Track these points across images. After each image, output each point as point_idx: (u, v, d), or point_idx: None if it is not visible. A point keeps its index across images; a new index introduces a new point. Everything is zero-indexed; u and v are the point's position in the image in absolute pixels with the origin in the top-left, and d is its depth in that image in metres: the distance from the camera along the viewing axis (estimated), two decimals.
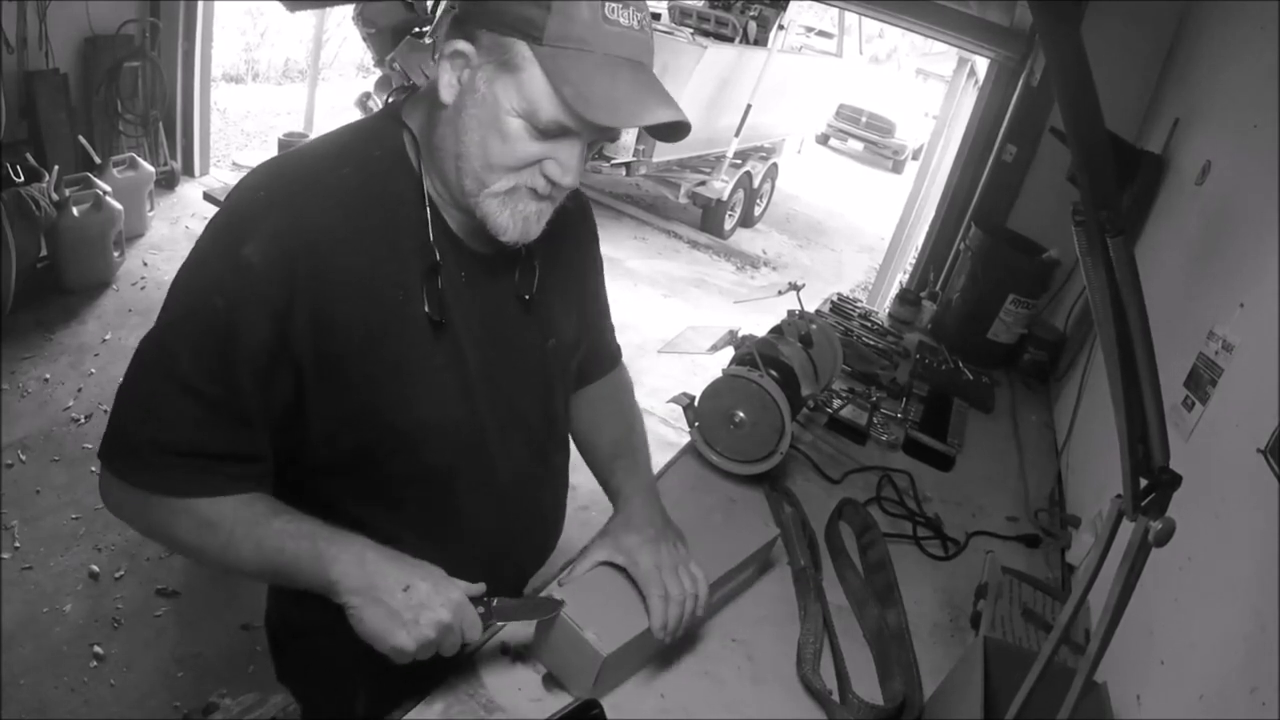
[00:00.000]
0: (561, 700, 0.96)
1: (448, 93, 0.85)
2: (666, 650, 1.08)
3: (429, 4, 3.38)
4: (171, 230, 4.39)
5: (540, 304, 1.03)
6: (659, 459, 1.43)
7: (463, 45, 0.83)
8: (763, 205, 7.86)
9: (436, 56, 0.86)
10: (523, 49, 0.80)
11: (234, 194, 0.87)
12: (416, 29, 3.32)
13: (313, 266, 0.83)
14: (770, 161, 7.68)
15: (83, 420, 2.94)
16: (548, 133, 0.83)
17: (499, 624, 1.02)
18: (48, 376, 3.14)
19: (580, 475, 1.23)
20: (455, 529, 1.02)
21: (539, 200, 0.89)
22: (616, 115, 0.81)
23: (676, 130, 0.86)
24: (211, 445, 0.86)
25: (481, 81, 0.83)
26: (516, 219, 0.88)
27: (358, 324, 0.87)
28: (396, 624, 0.84)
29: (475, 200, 0.87)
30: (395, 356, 0.90)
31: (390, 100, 0.97)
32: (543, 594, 1.02)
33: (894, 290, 3.44)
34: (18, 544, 2.39)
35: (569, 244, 1.10)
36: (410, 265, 0.90)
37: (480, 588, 0.92)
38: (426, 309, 0.90)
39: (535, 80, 0.81)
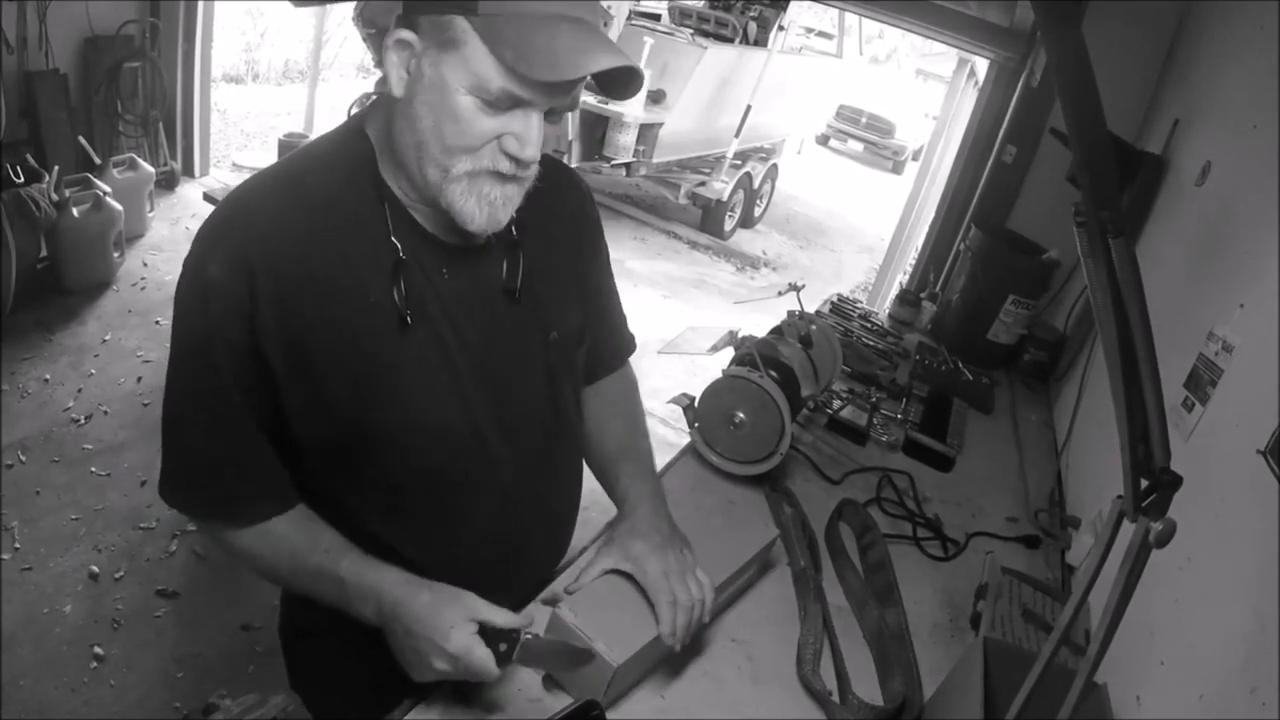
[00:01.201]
0: (561, 700, 0.96)
1: (398, 86, 0.85)
2: (667, 651, 1.08)
3: None
4: (171, 231, 4.39)
5: (535, 296, 1.01)
6: (659, 460, 1.43)
7: (405, 34, 0.82)
8: (763, 206, 7.85)
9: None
10: (461, 24, 0.79)
11: (206, 220, 0.90)
12: None
13: (271, 273, 0.85)
14: (770, 162, 7.68)
15: (83, 421, 2.94)
16: (499, 104, 0.82)
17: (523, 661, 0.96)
18: (48, 377, 3.14)
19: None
20: (456, 531, 1.02)
21: (504, 183, 0.87)
22: (557, 68, 0.79)
23: (628, 81, 0.85)
24: (227, 461, 0.92)
25: (428, 65, 0.82)
26: (482, 205, 0.87)
27: (324, 324, 0.87)
28: (405, 662, 0.91)
29: (440, 190, 0.87)
30: (368, 356, 0.90)
31: (354, 110, 0.98)
32: (554, 604, 1.01)
33: (894, 291, 3.44)
34: (18, 544, 2.39)
35: (565, 234, 1.08)
36: (377, 264, 0.90)
37: (516, 620, 0.89)
38: (397, 304, 0.90)
39: (477, 52, 0.79)
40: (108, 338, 3.45)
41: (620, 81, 0.85)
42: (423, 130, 0.84)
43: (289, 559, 0.94)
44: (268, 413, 0.90)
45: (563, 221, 1.08)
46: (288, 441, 0.94)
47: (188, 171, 4.92)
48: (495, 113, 0.83)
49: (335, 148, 0.94)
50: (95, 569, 2.36)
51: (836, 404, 1.86)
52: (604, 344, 1.21)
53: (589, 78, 0.82)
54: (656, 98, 5.85)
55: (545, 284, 1.03)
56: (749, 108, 6.46)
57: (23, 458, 2.71)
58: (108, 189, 3.68)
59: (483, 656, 0.86)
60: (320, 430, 0.93)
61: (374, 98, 0.97)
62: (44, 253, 3.49)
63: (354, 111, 0.98)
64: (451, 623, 0.86)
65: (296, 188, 0.90)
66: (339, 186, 0.90)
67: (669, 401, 1.56)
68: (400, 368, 0.92)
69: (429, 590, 0.89)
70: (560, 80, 0.79)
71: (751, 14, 6.59)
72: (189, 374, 0.90)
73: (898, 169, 11.74)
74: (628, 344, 1.28)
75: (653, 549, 1.04)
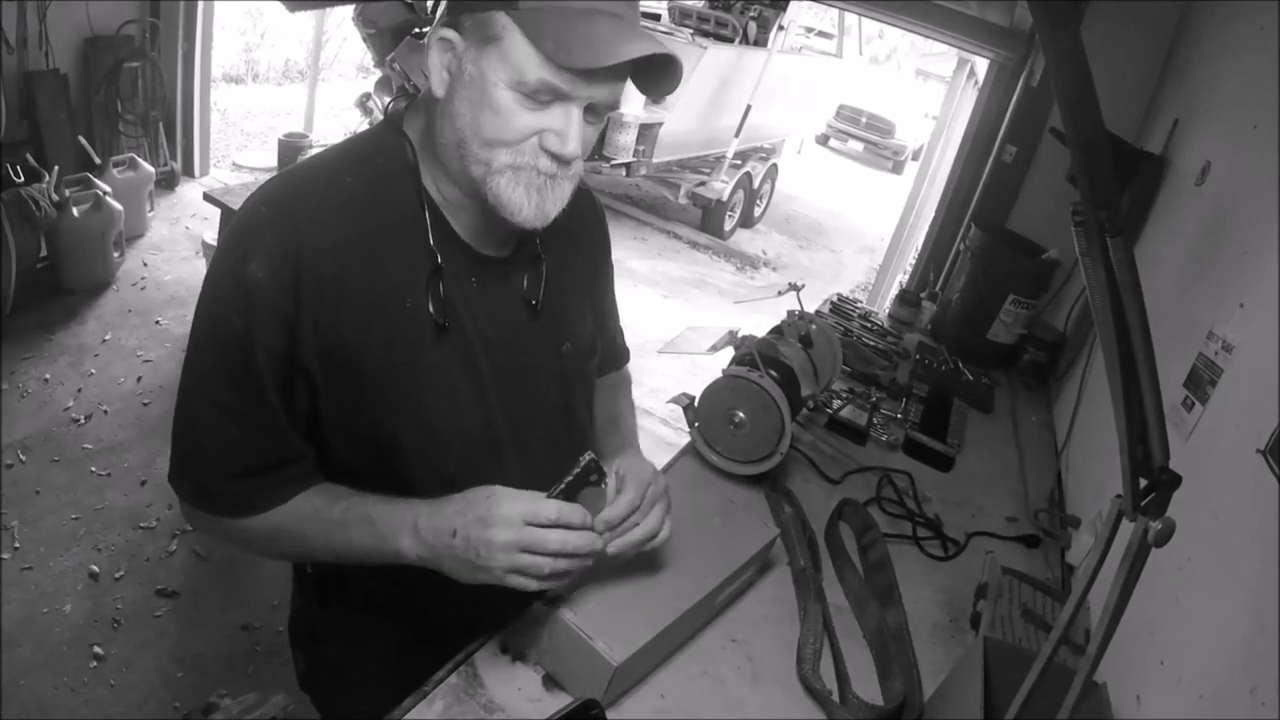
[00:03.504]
0: (561, 700, 0.96)
1: (439, 86, 0.86)
2: (667, 650, 1.08)
3: (429, 4, 3.38)
4: (171, 231, 4.39)
5: (552, 307, 1.02)
6: (659, 459, 1.43)
7: (447, 33, 0.84)
8: (762, 206, 7.86)
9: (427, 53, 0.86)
10: (501, 18, 0.80)
11: (240, 211, 0.89)
12: (416, 29, 3.32)
13: (314, 273, 0.84)
14: (770, 162, 7.69)
15: (83, 420, 2.94)
16: (538, 97, 0.82)
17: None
18: (48, 376, 3.14)
19: None
20: None
21: (548, 179, 0.87)
22: (596, 55, 0.79)
23: (666, 76, 0.85)
24: (256, 461, 0.90)
25: (469, 63, 0.83)
26: (531, 194, 0.87)
27: (361, 329, 0.88)
28: (472, 569, 0.86)
29: (486, 185, 0.86)
30: (401, 361, 0.90)
31: (391, 108, 0.98)
32: (555, 604, 1.00)
33: (894, 291, 3.44)
34: (18, 544, 2.39)
35: (583, 247, 1.10)
36: (414, 270, 0.90)
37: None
38: (431, 311, 0.90)
39: (517, 45, 0.80)
40: (108, 338, 3.45)
41: (657, 76, 0.85)
42: (462, 127, 0.85)
43: (313, 521, 0.92)
44: (299, 414, 0.90)
45: (580, 238, 1.09)
46: (308, 441, 0.94)
47: (188, 171, 4.93)
48: (534, 108, 0.83)
49: (375, 147, 0.93)
50: (95, 569, 2.36)
51: (836, 404, 1.86)
52: (608, 354, 1.24)
53: (630, 79, 0.84)
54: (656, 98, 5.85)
55: (563, 297, 1.04)
56: (749, 108, 6.47)
57: (23, 458, 2.71)
58: (108, 189, 3.68)
59: (534, 535, 0.85)
60: (341, 433, 0.93)
61: (370, 96, 0.97)
62: (44, 253, 3.49)
63: (385, 110, 0.97)
64: (504, 512, 0.85)
65: (336, 187, 0.89)
66: (379, 188, 0.90)
67: (669, 401, 1.56)
68: (429, 375, 0.92)
69: (451, 506, 0.87)
70: (600, 66, 0.79)
71: (751, 14, 6.59)
72: (223, 378, 0.87)
73: (898, 169, 11.74)
74: (622, 354, 1.31)
75: (638, 459, 1.03)
